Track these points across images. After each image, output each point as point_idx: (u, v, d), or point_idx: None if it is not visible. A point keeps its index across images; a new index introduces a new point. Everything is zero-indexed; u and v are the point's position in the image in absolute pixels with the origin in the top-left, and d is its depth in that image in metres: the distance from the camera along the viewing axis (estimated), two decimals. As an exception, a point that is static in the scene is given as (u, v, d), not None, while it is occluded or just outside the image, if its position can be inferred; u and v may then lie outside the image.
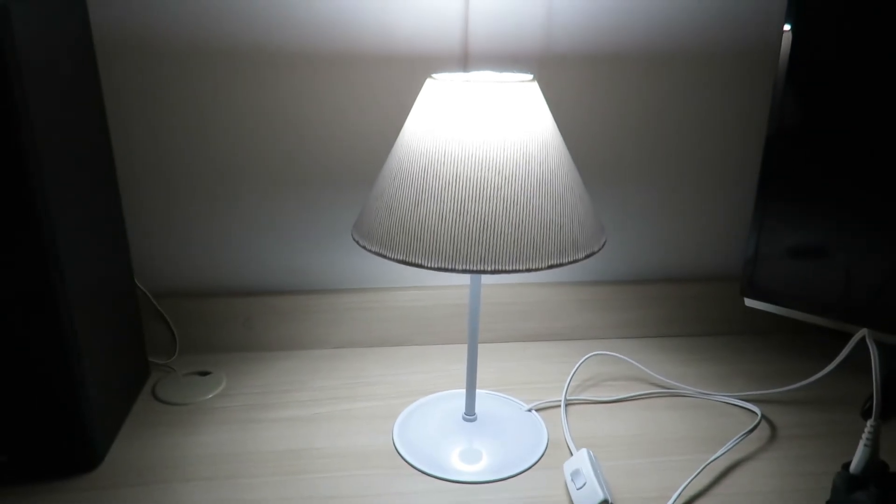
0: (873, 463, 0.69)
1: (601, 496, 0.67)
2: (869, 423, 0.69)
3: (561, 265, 0.66)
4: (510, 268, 0.64)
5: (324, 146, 0.94)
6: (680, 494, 0.71)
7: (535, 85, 0.68)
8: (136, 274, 0.98)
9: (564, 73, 0.93)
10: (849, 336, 1.03)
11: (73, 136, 0.72)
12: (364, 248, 0.68)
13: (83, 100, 0.76)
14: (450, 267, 0.64)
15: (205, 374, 0.93)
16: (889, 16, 0.75)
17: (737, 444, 0.80)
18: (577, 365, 0.94)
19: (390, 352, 1.01)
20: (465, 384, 0.92)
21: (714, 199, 1.03)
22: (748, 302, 0.93)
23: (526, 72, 0.93)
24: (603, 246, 0.71)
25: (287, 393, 0.90)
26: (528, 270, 0.64)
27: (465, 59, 0.92)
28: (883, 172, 0.79)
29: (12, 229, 0.64)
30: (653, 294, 1.04)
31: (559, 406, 0.87)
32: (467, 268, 0.63)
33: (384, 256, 0.66)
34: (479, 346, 1.03)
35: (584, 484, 0.70)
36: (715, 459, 0.77)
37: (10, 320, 0.67)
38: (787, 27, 0.82)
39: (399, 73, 0.91)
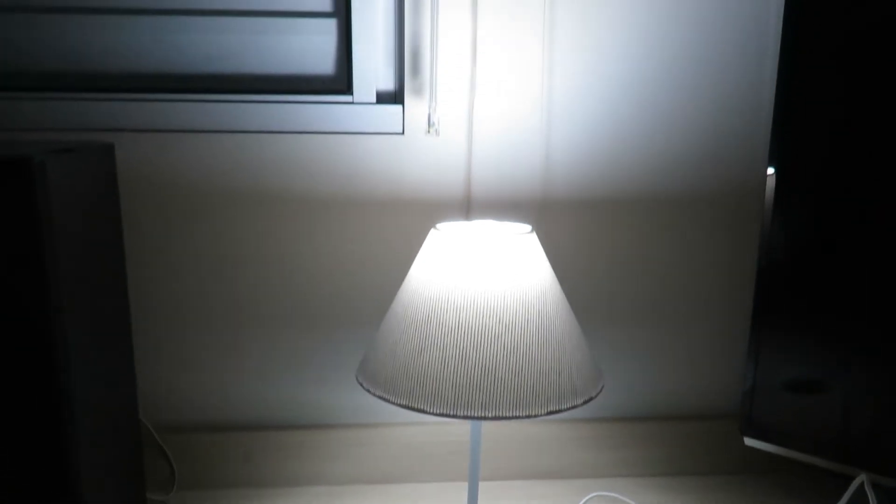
0: None
1: None
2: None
3: (560, 411, 0.67)
4: (510, 414, 0.65)
5: (329, 287, 0.97)
6: None
7: (534, 236, 0.72)
8: (140, 407, 0.99)
9: (561, 217, 0.98)
10: (850, 478, 1.02)
11: (93, 273, 0.75)
12: (368, 391, 0.70)
13: (105, 241, 0.80)
14: (452, 413, 0.65)
15: (202, 511, 0.93)
16: (868, 152, 0.80)
17: None
18: (578, 506, 0.94)
19: (390, 489, 1.00)
20: (464, 525, 0.91)
21: (710, 336, 1.05)
22: (748, 441, 0.93)
23: (525, 220, 0.98)
24: (600, 391, 0.72)
25: (284, 533, 0.89)
26: (528, 417, 0.66)
27: (467, 207, 0.97)
28: (874, 306, 0.81)
29: (25, 359, 0.66)
30: (653, 432, 1.04)
31: (560, 551, 0.86)
32: (469, 414, 0.65)
33: (387, 401, 0.68)
34: (480, 483, 1.02)
35: None
36: None
37: (12, 451, 0.68)
38: (770, 170, 0.87)
39: (405, 218, 0.96)
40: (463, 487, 1.01)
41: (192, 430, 0.99)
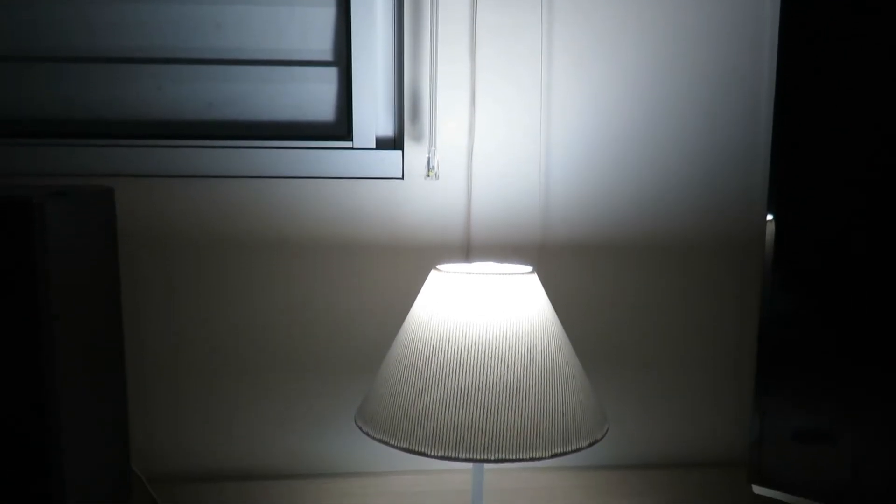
0: None
1: None
2: None
3: (564, 454, 0.66)
4: (514, 457, 0.64)
5: (329, 333, 0.96)
6: None
7: (535, 276, 0.72)
8: (133, 455, 0.96)
9: (562, 261, 0.98)
10: (863, 527, 0.99)
11: (90, 319, 0.74)
12: (367, 434, 0.69)
13: (102, 284, 0.79)
14: (453, 456, 0.64)
15: (194, 566, 0.89)
16: (868, 199, 0.80)
17: None
18: (584, 558, 0.91)
19: (389, 542, 0.97)
20: (466, 579, 0.88)
21: (715, 382, 1.04)
22: (756, 489, 0.91)
23: (525, 262, 0.97)
24: (606, 433, 0.71)
25: (280, 588, 0.85)
26: (532, 459, 0.64)
27: (467, 250, 0.97)
28: (882, 353, 0.80)
29: (19, 407, 0.65)
30: (659, 480, 1.02)
31: None
32: (471, 457, 0.63)
33: (387, 444, 0.66)
34: (481, 536, 0.99)
35: None
36: None
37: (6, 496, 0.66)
38: (769, 217, 0.87)
39: (405, 262, 0.96)
40: (464, 540, 0.98)
41: (185, 480, 0.96)
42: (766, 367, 0.88)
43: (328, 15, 0.96)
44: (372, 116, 0.96)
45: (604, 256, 0.99)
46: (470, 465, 0.99)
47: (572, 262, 0.98)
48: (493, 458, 0.63)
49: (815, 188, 0.83)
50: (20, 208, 0.63)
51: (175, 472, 0.97)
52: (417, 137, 0.94)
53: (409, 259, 0.96)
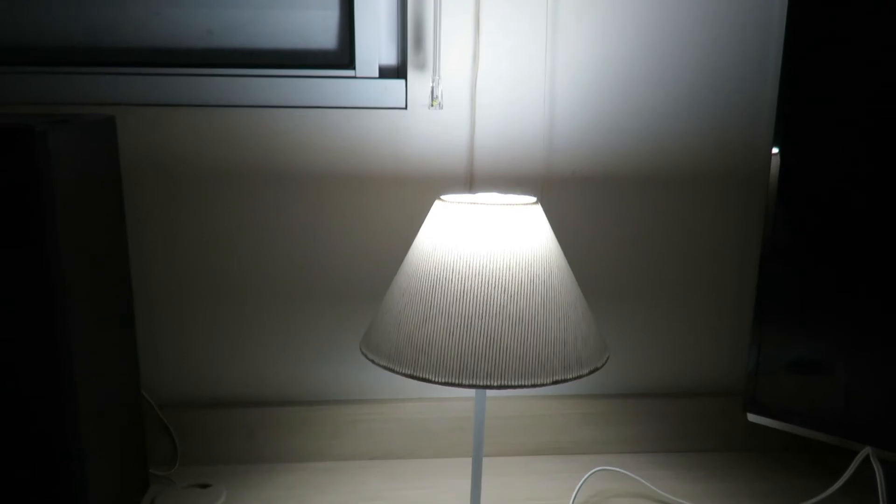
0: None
1: None
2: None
3: (565, 381, 0.67)
4: (515, 383, 0.65)
5: (333, 262, 0.97)
6: None
7: (539, 207, 0.72)
8: (143, 383, 0.98)
9: (566, 194, 0.98)
10: (854, 453, 1.02)
11: (95, 249, 0.75)
12: (373, 361, 0.70)
13: (107, 215, 0.79)
14: (457, 382, 0.65)
15: (205, 486, 0.92)
16: (873, 133, 0.80)
17: (746, 566, 0.78)
18: (582, 481, 0.94)
19: (392, 465, 1.00)
20: (468, 500, 0.91)
21: (715, 314, 1.05)
22: (751, 417, 0.93)
23: (529, 194, 0.97)
24: (606, 362, 0.72)
25: (288, 508, 0.89)
26: (534, 386, 0.65)
27: (470, 181, 0.96)
28: (879, 287, 0.81)
29: (29, 334, 0.66)
30: (657, 409, 1.04)
31: (564, 524, 0.86)
32: (474, 383, 0.65)
33: (392, 371, 0.67)
34: (484, 459, 1.02)
35: None
36: (724, 583, 0.75)
37: (16, 426, 0.68)
38: (774, 150, 0.86)
39: (408, 193, 0.96)
40: (467, 463, 1.01)
41: (195, 406, 0.98)
42: (765, 299, 0.89)
43: (329, -63, 0.93)
44: (375, 45, 0.94)
45: (607, 188, 0.99)
46: (472, 393, 1.02)
47: (576, 193, 0.98)
48: (495, 384, 0.65)
49: (822, 122, 0.83)
50: (22, 137, 0.63)
51: (182, 400, 0.99)
52: (421, 66, 0.93)
53: (413, 189, 0.96)
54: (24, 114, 0.86)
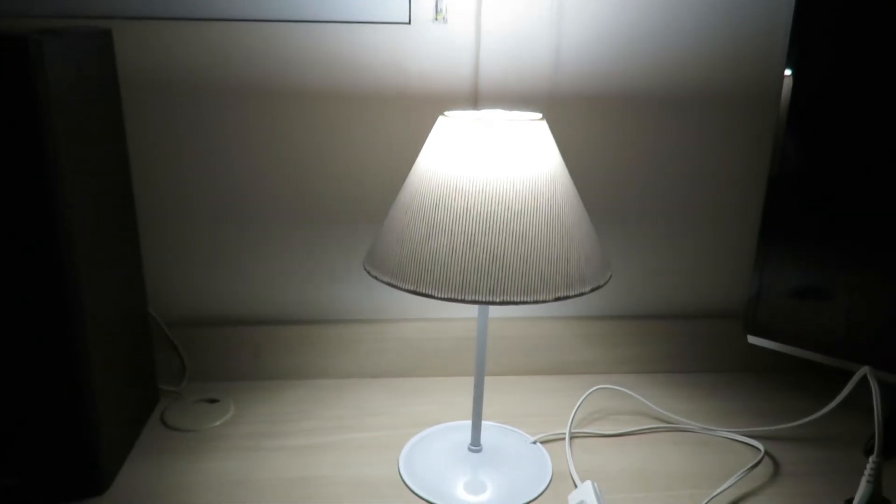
0: (875, 500, 0.70)
1: (605, 528, 0.68)
2: (871, 459, 0.70)
3: (567, 297, 0.67)
4: (518, 299, 0.65)
5: (336, 180, 0.96)
6: (684, 529, 0.72)
7: (544, 124, 0.71)
8: (149, 302, 0.99)
9: (571, 112, 0.96)
10: (851, 374, 1.04)
11: (96, 166, 0.74)
12: (376, 278, 0.70)
13: (107, 132, 0.78)
14: (459, 298, 0.65)
15: (213, 401, 0.95)
16: (887, 58, 0.78)
17: (739, 479, 0.81)
18: (582, 398, 0.95)
19: (396, 383, 1.02)
20: (470, 416, 0.93)
21: (718, 237, 1.04)
22: (751, 339, 0.94)
23: (535, 111, 0.95)
24: (608, 280, 0.72)
25: (294, 422, 0.91)
26: (536, 302, 0.66)
27: (475, 98, 0.94)
28: (884, 212, 0.81)
29: (33, 252, 0.66)
30: (658, 330, 1.05)
31: (564, 439, 0.88)
32: (476, 299, 0.65)
33: (396, 287, 0.68)
34: (485, 378, 1.04)
35: (589, 516, 0.70)
36: (718, 495, 0.78)
37: (24, 344, 0.69)
38: (787, 72, 0.84)
39: (411, 110, 0.94)
40: (468, 382, 1.02)
41: (201, 324, 1.00)
42: (770, 222, 0.88)
43: None
44: (377, -45, 0.91)
45: (615, 107, 0.97)
46: (474, 313, 1.03)
47: (582, 112, 0.96)
48: (497, 300, 0.65)
49: (835, 46, 0.80)
50: (16, 46, 0.61)
51: (189, 318, 1.01)
52: (425, -21, 0.90)
53: (416, 106, 0.94)
54: (17, 25, 0.84)
